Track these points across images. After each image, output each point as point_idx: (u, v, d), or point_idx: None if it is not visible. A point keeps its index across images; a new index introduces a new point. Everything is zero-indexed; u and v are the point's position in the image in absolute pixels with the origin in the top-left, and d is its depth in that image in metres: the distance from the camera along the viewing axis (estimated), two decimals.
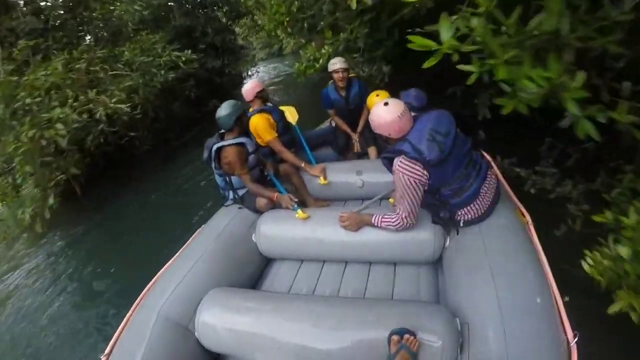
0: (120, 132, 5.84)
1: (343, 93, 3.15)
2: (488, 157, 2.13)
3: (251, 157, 2.43)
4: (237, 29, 12.81)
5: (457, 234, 1.82)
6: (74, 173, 4.69)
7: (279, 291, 2.14)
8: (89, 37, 6.99)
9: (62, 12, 6.72)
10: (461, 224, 1.81)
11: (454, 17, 1.35)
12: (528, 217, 1.89)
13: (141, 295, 1.96)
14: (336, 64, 2.99)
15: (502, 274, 1.51)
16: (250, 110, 2.90)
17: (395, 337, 1.38)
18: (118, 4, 7.02)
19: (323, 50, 4.20)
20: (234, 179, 2.44)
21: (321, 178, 2.71)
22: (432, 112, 1.74)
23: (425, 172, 1.64)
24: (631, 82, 1.54)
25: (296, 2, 4.10)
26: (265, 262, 2.39)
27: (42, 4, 6.59)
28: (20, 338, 3.46)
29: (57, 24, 6.43)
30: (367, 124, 3.11)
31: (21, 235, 5.73)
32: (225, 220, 2.37)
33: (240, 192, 2.51)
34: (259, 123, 2.77)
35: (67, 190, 6.17)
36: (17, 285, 4.41)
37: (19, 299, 4.10)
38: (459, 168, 1.70)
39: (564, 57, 1.23)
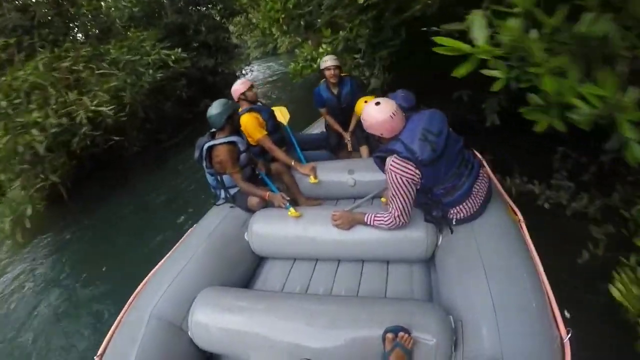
0: (103, 136, 5.57)
1: (335, 91, 3.15)
2: (479, 156, 2.12)
3: (242, 156, 2.42)
4: (231, 27, 12.61)
5: (451, 232, 1.83)
6: (54, 180, 4.42)
7: (271, 290, 2.14)
8: (80, 34, 6.73)
9: (48, 9, 6.43)
10: (454, 223, 1.81)
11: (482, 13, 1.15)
12: (520, 215, 1.89)
13: (133, 295, 1.94)
14: (327, 61, 3.00)
15: (495, 271, 1.51)
16: (240, 109, 2.87)
17: (390, 335, 1.38)
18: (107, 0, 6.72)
19: (321, 49, 4.00)
20: (225, 178, 2.43)
21: (311, 177, 2.70)
22: (425, 112, 1.75)
23: (417, 172, 1.64)
24: None
25: None
26: (258, 261, 2.39)
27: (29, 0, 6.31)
28: (6, 343, 3.32)
29: (43, 21, 6.17)
30: (358, 123, 3.12)
31: (5, 242, 5.43)
32: (217, 220, 2.36)
33: (232, 191, 2.50)
34: (248, 122, 2.77)
35: (53, 194, 5.96)
36: (1, 292, 4.18)
37: (3, 307, 3.89)
38: (451, 167, 1.70)
39: (617, 70, 1.03)
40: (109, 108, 4.33)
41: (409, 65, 3.60)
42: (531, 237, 1.75)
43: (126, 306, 1.87)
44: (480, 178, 1.81)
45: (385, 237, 1.95)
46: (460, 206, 1.76)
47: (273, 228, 2.27)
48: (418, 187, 1.70)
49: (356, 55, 3.58)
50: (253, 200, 2.41)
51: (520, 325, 1.32)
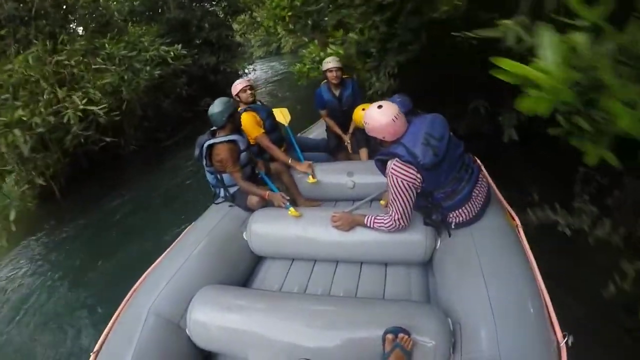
0: (94, 136, 5.35)
1: (337, 93, 3.17)
2: (479, 162, 2.12)
3: (243, 155, 2.42)
4: (234, 25, 12.45)
5: (449, 236, 1.83)
6: (39, 183, 4.20)
7: (270, 290, 2.14)
8: (80, 28, 6.51)
9: None
10: (452, 226, 1.81)
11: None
12: (517, 220, 1.91)
13: (131, 291, 1.92)
14: (330, 62, 3.02)
15: (493, 275, 1.52)
16: (239, 109, 2.86)
17: (390, 336, 1.38)
18: None
19: (329, 50, 3.80)
20: (225, 176, 2.43)
21: (310, 177, 2.70)
22: (427, 116, 1.76)
23: (419, 176, 1.64)
24: None
25: None
26: (256, 261, 2.38)
27: None
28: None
29: (42, 12, 5.94)
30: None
31: None
32: (216, 218, 2.36)
33: (232, 190, 2.49)
34: (245, 121, 2.77)
35: (44, 192, 5.80)
36: None
37: None
38: (452, 171, 1.71)
39: None
40: (100, 107, 4.08)
41: (421, 71, 3.42)
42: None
43: (123, 303, 1.86)
44: (480, 182, 1.83)
45: (385, 239, 1.95)
46: (460, 210, 1.76)
47: (272, 228, 2.26)
48: (419, 190, 1.71)
49: (368, 59, 3.37)
50: (253, 200, 2.40)
51: (518, 329, 1.33)
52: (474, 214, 1.78)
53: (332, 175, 2.75)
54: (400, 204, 1.72)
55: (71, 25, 6.43)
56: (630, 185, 2.56)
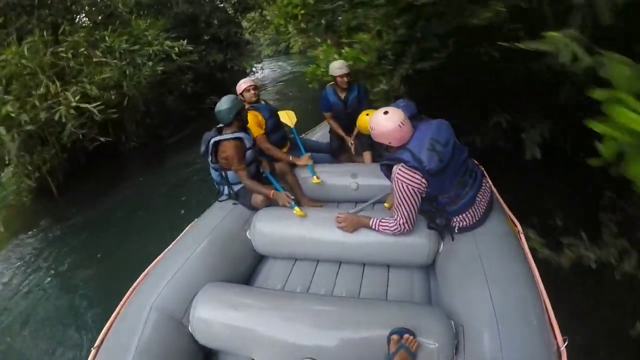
0: (89, 135, 5.13)
1: (342, 96, 3.21)
2: (481, 168, 2.15)
3: (248, 153, 2.44)
4: (244, 23, 12.30)
5: (452, 240, 1.86)
6: (28, 183, 3.98)
7: (272, 289, 2.15)
8: (85, 18, 6.30)
9: None
10: (456, 231, 1.84)
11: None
12: (519, 227, 1.94)
13: (132, 287, 1.92)
14: (342, 68, 3.06)
15: (496, 279, 1.54)
16: None
17: (395, 337, 1.39)
18: None
19: (344, 52, 3.58)
20: (230, 174, 2.44)
21: (314, 177, 2.75)
22: (432, 122, 1.79)
23: (424, 181, 1.67)
24: None
25: None
26: (258, 259, 2.39)
27: None
28: None
29: (45, 1, 5.74)
30: None
31: None
32: (219, 216, 2.37)
33: (236, 188, 2.50)
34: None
35: (41, 188, 5.61)
36: None
37: None
38: (456, 177, 1.74)
39: None
40: (95, 105, 3.82)
41: (441, 80, 3.20)
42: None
43: (125, 298, 1.85)
44: (483, 187, 1.86)
45: (388, 241, 1.97)
46: (463, 215, 1.79)
47: (276, 227, 2.26)
48: (423, 195, 1.73)
49: (383, 61, 3.13)
50: (257, 198, 2.41)
51: (521, 332, 1.35)
52: (477, 218, 1.81)
53: (336, 177, 2.80)
54: (405, 208, 1.75)
55: (77, 16, 6.24)
56: None
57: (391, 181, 1.76)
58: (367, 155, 3.20)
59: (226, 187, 2.51)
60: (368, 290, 2.00)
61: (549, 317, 1.44)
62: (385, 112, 1.71)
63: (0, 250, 4.62)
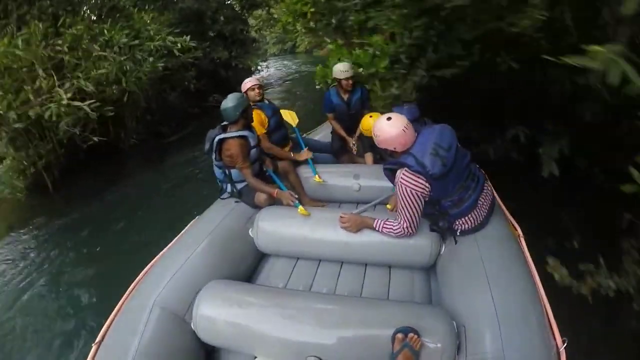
0: (84, 133, 4.96)
1: (345, 97, 3.23)
2: (482, 171, 2.14)
3: (253, 151, 2.44)
4: (250, 20, 12.15)
5: (455, 243, 1.88)
6: (17, 185, 3.81)
7: (275, 287, 2.16)
8: (89, 11, 6.13)
9: None
10: (458, 233, 1.87)
11: None
12: (519, 231, 1.97)
13: (134, 282, 1.92)
14: (347, 72, 3.07)
15: (497, 281, 1.57)
16: None
17: (399, 335, 1.39)
18: None
19: (355, 55, 3.46)
20: (233, 172, 2.45)
21: (316, 176, 2.78)
22: (435, 126, 1.81)
23: (427, 185, 1.69)
24: None
25: None
26: (260, 258, 2.41)
27: None
28: None
29: None
30: None
31: None
32: (222, 214, 2.38)
33: (239, 186, 2.51)
34: None
35: (36, 183, 5.47)
36: None
37: None
38: (459, 180, 1.77)
39: None
40: (90, 102, 3.64)
41: (458, 88, 3.06)
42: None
43: (126, 294, 1.85)
44: (485, 191, 1.89)
45: (391, 242, 1.99)
46: (466, 218, 1.82)
47: (279, 226, 2.27)
48: (427, 199, 1.75)
49: (397, 66, 2.97)
50: (261, 197, 2.42)
51: (521, 333, 1.37)
52: (479, 221, 1.84)
53: (338, 177, 2.82)
54: (408, 212, 1.77)
55: (79, 9, 6.09)
56: None
57: (395, 185, 1.78)
58: (368, 156, 3.23)
59: (229, 185, 2.52)
60: (370, 290, 2.03)
61: (548, 319, 1.47)
62: (389, 119, 1.73)
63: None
